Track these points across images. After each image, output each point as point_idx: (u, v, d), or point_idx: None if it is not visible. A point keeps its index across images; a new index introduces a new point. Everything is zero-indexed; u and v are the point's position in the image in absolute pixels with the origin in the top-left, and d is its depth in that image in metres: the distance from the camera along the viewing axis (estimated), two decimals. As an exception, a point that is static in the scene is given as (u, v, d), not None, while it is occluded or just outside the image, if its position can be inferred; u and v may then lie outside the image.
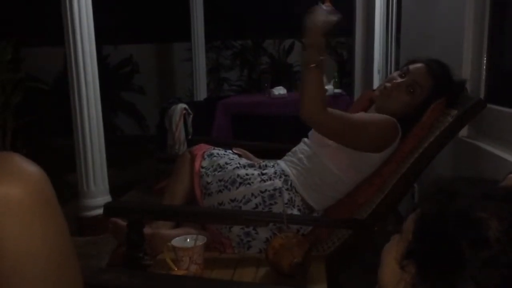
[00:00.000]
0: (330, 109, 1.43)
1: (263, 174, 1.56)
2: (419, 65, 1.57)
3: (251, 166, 1.61)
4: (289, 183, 1.54)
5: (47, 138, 4.24)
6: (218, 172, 1.58)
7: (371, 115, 1.59)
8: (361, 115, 1.59)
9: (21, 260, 0.59)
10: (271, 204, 1.50)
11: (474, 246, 0.50)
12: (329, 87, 3.86)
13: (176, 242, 1.24)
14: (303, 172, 1.55)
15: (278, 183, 1.53)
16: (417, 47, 2.37)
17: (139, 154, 4.64)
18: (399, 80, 1.57)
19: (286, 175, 1.55)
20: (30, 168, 0.61)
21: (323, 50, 1.41)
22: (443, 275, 0.52)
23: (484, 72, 1.66)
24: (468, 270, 0.49)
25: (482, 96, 1.65)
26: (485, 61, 1.65)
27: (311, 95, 1.40)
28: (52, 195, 0.63)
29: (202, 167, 1.62)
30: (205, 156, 1.66)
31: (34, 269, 0.60)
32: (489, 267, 0.49)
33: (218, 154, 1.67)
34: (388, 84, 1.59)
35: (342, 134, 1.48)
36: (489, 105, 1.48)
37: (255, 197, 1.51)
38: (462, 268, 0.50)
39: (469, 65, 1.69)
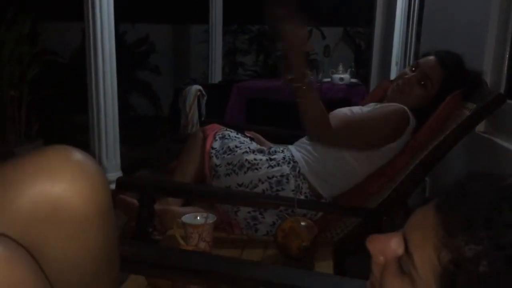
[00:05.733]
0: (336, 122, 1.43)
1: (271, 159, 1.56)
2: (429, 57, 1.57)
3: (260, 151, 1.61)
4: (297, 170, 1.54)
5: (62, 113, 4.27)
6: (227, 155, 1.58)
7: (379, 111, 1.57)
8: (368, 115, 1.57)
9: (63, 267, 0.55)
10: (277, 190, 1.50)
11: None
12: (345, 76, 3.84)
13: (186, 219, 1.25)
14: (315, 161, 1.55)
15: (286, 169, 1.53)
16: (438, 40, 2.34)
17: (152, 134, 4.66)
18: (410, 74, 1.57)
19: (294, 162, 1.55)
20: (89, 168, 0.54)
21: (305, 69, 1.34)
22: None
23: (506, 67, 1.63)
24: None
25: (502, 90, 1.63)
26: (507, 56, 1.62)
27: (311, 120, 1.40)
28: (109, 203, 0.57)
29: (213, 148, 1.62)
30: (217, 138, 1.66)
31: (75, 276, 0.56)
32: None
33: (229, 136, 1.67)
34: (399, 81, 1.59)
35: (356, 143, 1.50)
36: (509, 101, 1.46)
37: (262, 183, 1.51)
38: None
39: (491, 59, 1.67)
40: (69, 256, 0.54)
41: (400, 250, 0.50)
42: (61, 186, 0.51)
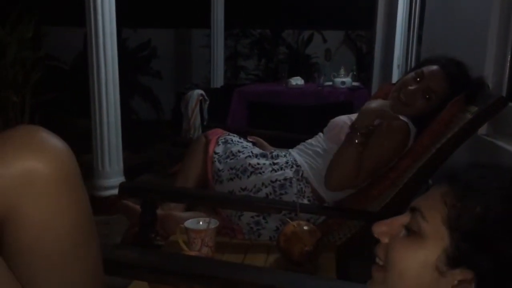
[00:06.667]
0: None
1: (274, 164, 1.56)
2: (434, 68, 1.51)
3: (263, 155, 1.61)
4: (300, 174, 1.54)
5: (65, 117, 4.28)
6: (230, 159, 1.58)
7: (386, 133, 1.51)
8: (380, 146, 1.52)
9: (41, 234, 0.60)
10: (281, 194, 1.50)
11: None
12: (347, 79, 3.85)
13: (189, 224, 1.25)
14: (317, 165, 1.55)
15: (289, 173, 1.53)
16: (440, 43, 2.34)
17: (153, 138, 4.67)
18: (414, 86, 1.52)
19: (298, 166, 1.55)
20: (56, 143, 0.62)
21: (368, 132, 1.47)
22: None
23: (507, 70, 1.63)
24: None
25: (504, 93, 1.62)
26: (509, 58, 1.62)
27: (344, 172, 1.46)
28: (77, 172, 0.64)
29: (215, 153, 1.62)
30: (220, 142, 1.66)
31: (53, 244, 0.61)
32: None
33: (232, 140, 1.67)
34: (403, 92, 1.55)
35: (373, 173, 1.51)
36: (510, 104, 1.46)
37: (266, 187, 1.51)
38: None
39: (492, 62, 1.67)
40: (44, 221, 0.60)
41: (406, 220, 0.57)
42: (33, 159, 0.59)
